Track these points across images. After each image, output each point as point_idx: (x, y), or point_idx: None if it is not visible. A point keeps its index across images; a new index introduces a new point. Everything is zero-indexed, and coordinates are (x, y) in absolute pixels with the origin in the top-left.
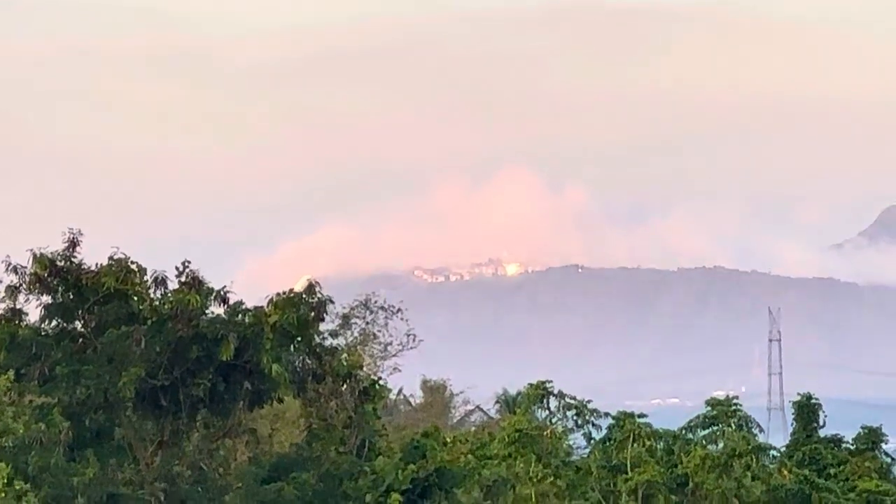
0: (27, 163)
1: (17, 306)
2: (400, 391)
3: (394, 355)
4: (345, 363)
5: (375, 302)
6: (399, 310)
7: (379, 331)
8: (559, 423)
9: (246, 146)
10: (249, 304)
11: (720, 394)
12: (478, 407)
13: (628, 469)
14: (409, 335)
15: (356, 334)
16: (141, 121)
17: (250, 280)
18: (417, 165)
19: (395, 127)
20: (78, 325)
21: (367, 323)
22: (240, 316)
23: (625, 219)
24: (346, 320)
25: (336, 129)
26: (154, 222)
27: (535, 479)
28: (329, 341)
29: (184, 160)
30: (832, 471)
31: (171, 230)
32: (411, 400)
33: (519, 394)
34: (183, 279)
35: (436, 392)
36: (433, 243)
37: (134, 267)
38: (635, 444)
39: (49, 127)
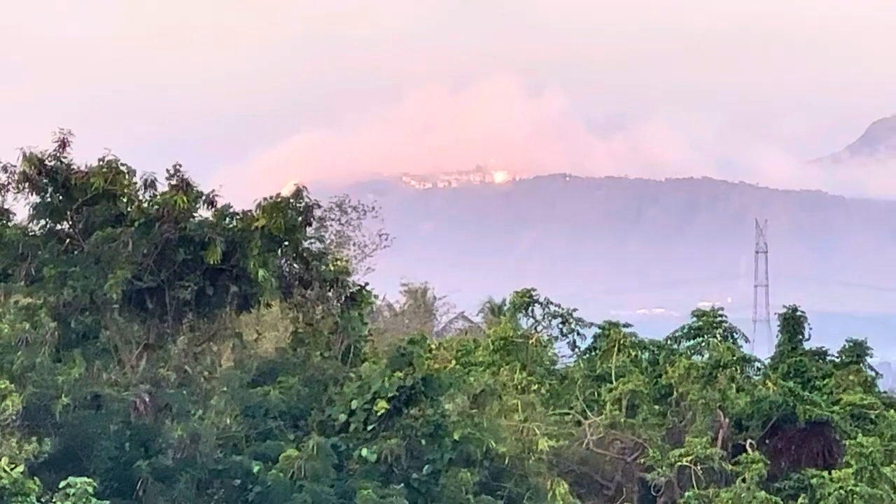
0: (14, 64)
1: (5, 206)
2: (384, 297)
3: (368, 255)
4: (332, 268)
5: (349, 202)
6: (372, 208)
7: (353, 231)
8: (544, 331)
9: (220, 53)
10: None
11: (706, 304)
12: (461, 314)
13: (613, 378)
14: (380, 235)
15: (332, 236)
16: (120, 24)
17: (223, 187)
18: (395, 73)
19: (372, 35)
20: (66, 225)
21: (342, 224)
22: (227, 220)
23: (603, 127)
24: (321, 222)
25: (311, 37)
26: (122, 126)
27: (519, 388)
28: (316, 245)
29: (157, 66)
30: (817, 383)
31: (141, 134)
32: (396, 307)
33: (504, 301)
34: (173, 182)
35: (417, 296)
36: (416, 150)
37: (123, 168)
38: (620, 354)
39: (32, 28)
